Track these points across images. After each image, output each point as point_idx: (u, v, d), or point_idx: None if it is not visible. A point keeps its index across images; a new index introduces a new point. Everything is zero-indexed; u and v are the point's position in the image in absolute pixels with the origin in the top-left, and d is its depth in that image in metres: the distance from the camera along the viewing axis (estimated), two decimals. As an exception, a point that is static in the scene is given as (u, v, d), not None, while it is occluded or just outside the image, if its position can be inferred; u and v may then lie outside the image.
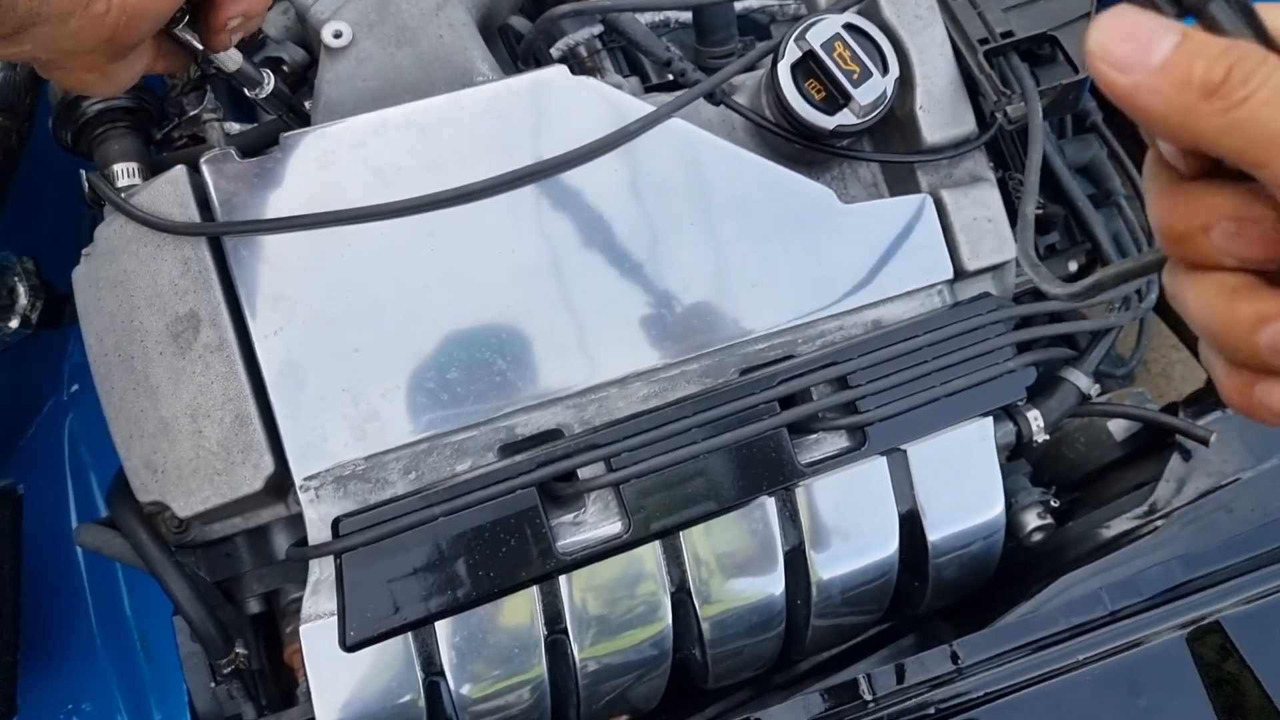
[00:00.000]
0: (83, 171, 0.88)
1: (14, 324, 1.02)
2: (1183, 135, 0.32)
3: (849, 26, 0.88)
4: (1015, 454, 1.01)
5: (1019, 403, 0.92)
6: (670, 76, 0.94)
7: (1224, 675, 0.83)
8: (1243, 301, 0.33)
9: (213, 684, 0.90)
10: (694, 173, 0.87)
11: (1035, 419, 0.93)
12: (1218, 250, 0.34)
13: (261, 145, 0.86)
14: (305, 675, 0.83)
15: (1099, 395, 1.00)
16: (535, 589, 0.82)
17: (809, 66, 0.88)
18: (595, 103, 0.86)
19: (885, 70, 0.88)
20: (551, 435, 0.84)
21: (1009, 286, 0.96)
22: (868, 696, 0.83)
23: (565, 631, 0.84)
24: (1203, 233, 0.34)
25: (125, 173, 0.87)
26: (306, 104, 0.90)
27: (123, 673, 1.10)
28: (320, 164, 0.83)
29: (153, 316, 0.82)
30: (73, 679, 1.10)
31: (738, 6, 1.11)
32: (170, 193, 0.82)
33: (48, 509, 1.12)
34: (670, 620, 0.85)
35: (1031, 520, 0.96)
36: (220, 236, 0.82)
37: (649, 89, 1.02)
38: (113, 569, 1.12)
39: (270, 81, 0.83)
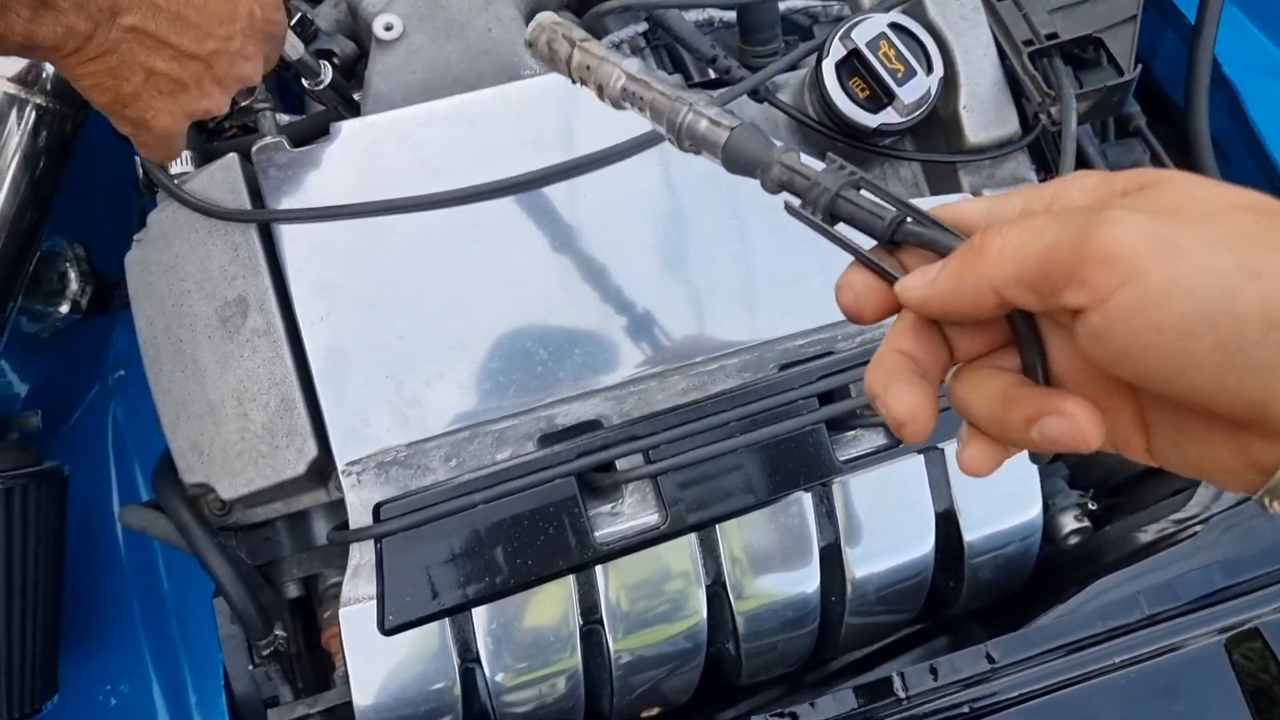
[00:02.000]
0: (138, 158, 0.90)
1: (64, 309, 1.04)
2: (980, 295, 0.39)
3: (894, 25, 0.89)
4: (1053, 457, 1.01)
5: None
6: (714, 74, 0.95)
7: (1262, 682, 0.82)
8: (1014, 407, 0.41)
9: (251, 666, 0.91)
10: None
11: (1074, 421, 0.93)
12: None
13: (311, 135, 0.88)
14: (343, 659, 0.84)
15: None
16: (571, 579, 0.83)
17: (853, 65, 0.88)
18: (640, 98, 0.87)
19: (930, 70, 0.88)
20: (591, 426, 0.85)
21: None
22: (901, 694, 0.83)
23: (600, 622, 0.84)
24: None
25: (178, 160, 0.88)
26: (355, 95, 0.91)
27: (160, 655, 1.12)
28: (369, 154, 0.84)
29: (202, 301, 0.83)
30: (112, 660, 1.11)
31: (781, 7, 1.12)
32: (222, 180, 0.84)
33: (90, 492, 1.14)
34: (705, 614, 0.86)
35: (1069, 523, 0.95)
36: (270, 223, 0.83)
37: (692, 86, 1.02)
38: (152, 552, 1.13)
39: (327, 73, 0.85)
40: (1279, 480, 0.37)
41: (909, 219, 0.43)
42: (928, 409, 0.42)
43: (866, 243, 0.45)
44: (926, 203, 0.48)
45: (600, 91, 0.59)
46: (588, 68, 0.59)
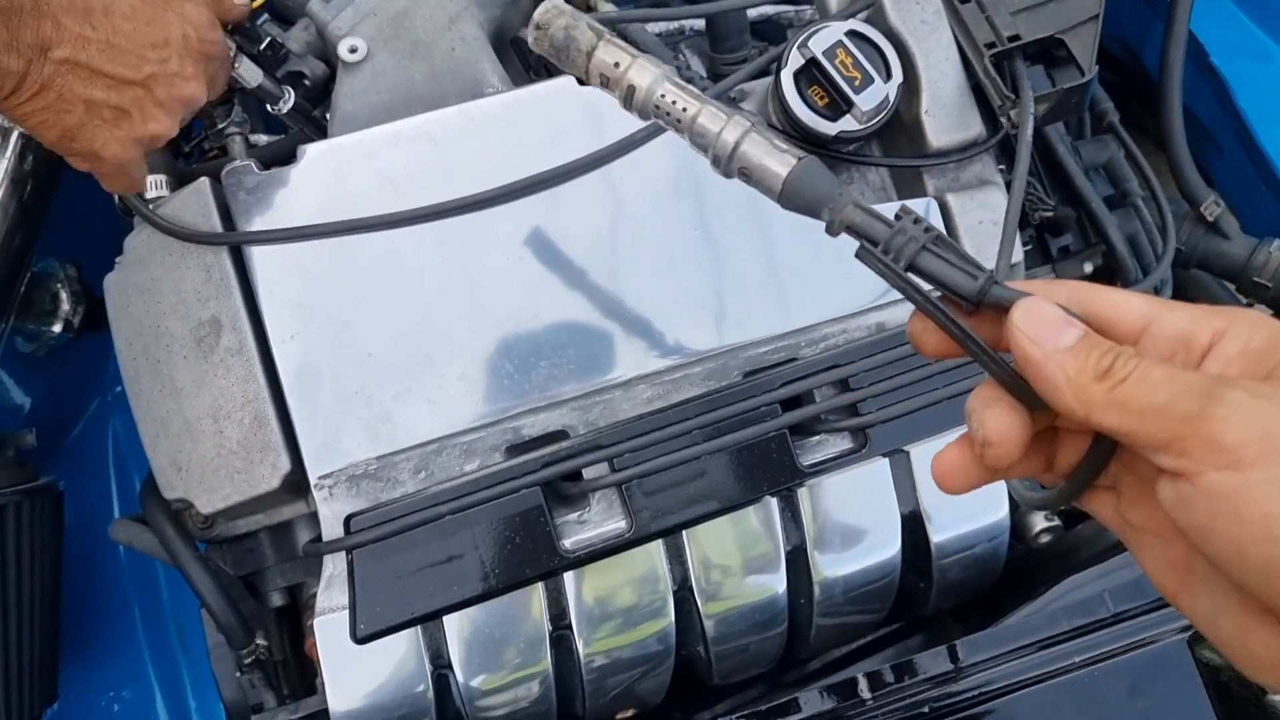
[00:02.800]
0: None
1: (57, 328, 1.07)
2: (1075, 407, 0.40)
3: (852, 33, 0.89)
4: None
5: (1024, 405, 0.93)
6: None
7: (1226, 679, 0.82)
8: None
9: (238, 673, 0.94)
10: (699, 178, 0.89)
11: (1041, 421, 0.93)
12: None
13: (283, 157, 0.90)
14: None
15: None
16: (540, 585, 0.85)
17: (812, 73, 0.89)
18: (603, 110, 0.88)
19: (888, 76, 0.89)
20: (557, 436, 0.87)
21: (1017, 289, 0.96)
22: (866, 695, 0.84)
23: (570, 627, 0.86)
24: None
25: (154, 184, 0.91)
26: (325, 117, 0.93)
27: (160, 663, 1.15)
28: (336, 174, 0.86)
29: (177, 322, 0.86)
30: (114, 668, 1.15)
31: (754, 13, 1.13)
32: (194, 204, 0.86)
33: (92, 505, 1.18)
34: (673, 617, 0.87)
35: (1039, 522, 0.96)
36: (241, 245, 0.86)
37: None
38: (153, 564, 1.17)
39: (290, 96, 0.87)
40: None
41: (998, 282, 0.43)
42: (1018, 437, 0.43)
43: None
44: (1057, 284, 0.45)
45: (627, 96, 0.53)
46: (615, 65, 0.53)
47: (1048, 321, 0.41)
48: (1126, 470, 0.44)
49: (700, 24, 1.11)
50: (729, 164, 0.50)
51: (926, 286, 0.45)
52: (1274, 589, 0.35)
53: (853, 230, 0.46)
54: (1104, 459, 0.43)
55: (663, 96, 0.52)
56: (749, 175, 0.49)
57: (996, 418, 0.43)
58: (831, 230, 0.47)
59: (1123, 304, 0.42)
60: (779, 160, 0.48)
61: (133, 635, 1.17)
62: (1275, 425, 0.35)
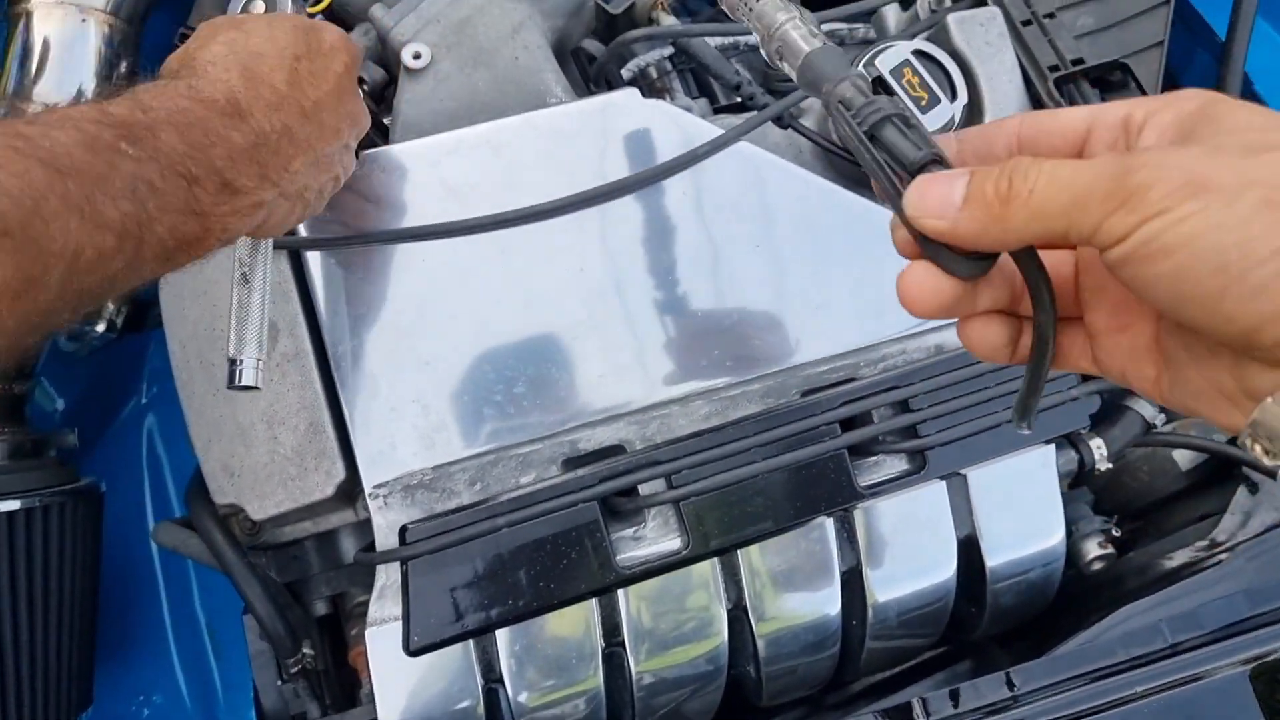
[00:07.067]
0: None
1: (100, 328, 1.06)
2: (1004, 238, 0.41)
3: (918, 53, 0.89)
4: (1077, 482, 1.01)
5: (1082, 430, 0.92)
6: (739, 99, 0.96)
7: (1287, 713, 0.82)
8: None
9: (279, 682, 0.93)
10: (760, 195, 0.89)
11: (1098, 447, 0.93)
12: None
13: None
14: (369, 677, 0.86)
15: (1164, 425, 0.99)
16: (594, 601, 0.84)
17: (877, 92, 0.89)
18: (665, 125, 0.88)
19: (954, 97, 0.89)
20: (614, 450, 0.86)
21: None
22: (921, 720, 0.83)
23: (622, 644, 0.85)
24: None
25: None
26: (385, 120, 0.93)
27: (192, 668, 1.14)
28: (398, 181, 0.86)
29: (234, 325, 0.85)
30: (145, 672, 1.13)
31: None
32: (254, 206, 0.85)
33: (125, 507, 1.16)
34: (726, 636, 0.86)
35: (1092, 549, 0.95)
36: (299, 249, 0.85)
37: (717, 110, 1.03)
38: (185, 567, 1.15)
39: (356, 100, 0.86)
40: (1266, 410, 0.39)
41: (940, 159, 0.45)
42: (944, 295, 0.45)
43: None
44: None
45: None
46: None
47: (935, 192, 0.43)
48: (1080, 289, 0.47)
49: (755, 39, 1.11)
50: (769, 42, 0.55)
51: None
52: (1201, 311, 0.38)
53: (842, 103, 0.49)
54: (1035, 262, 0.44)
55: None
56: (783, 54, 0.55)
57: (920, 288, 0.45)
58: (829, 105, 0.50)
59: (1064, 115, 0.45)
60: (807, 42, 0.53)
61: (163, 639, 1.15)
62: (1195, 169, 0.37)
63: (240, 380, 0.71)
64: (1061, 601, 0.96)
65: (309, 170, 0.66)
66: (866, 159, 0.47)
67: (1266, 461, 0.40)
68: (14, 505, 0.89)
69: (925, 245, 0.45)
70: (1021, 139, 0.46)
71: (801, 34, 0.54)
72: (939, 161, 0.45)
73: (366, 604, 0.93)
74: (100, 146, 0.51)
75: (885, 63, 0.88)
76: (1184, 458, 1.06)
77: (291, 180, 0.64)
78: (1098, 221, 0.38)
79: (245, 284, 0.72)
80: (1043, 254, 0.44)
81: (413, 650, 0.80)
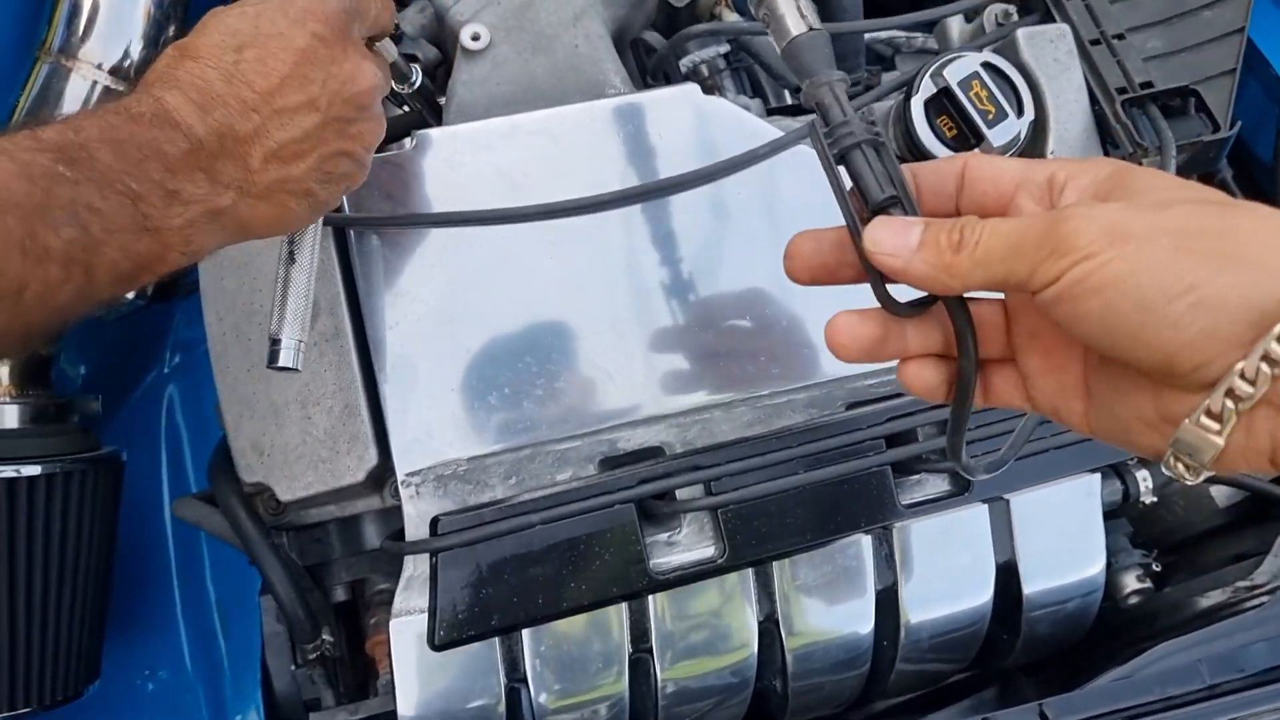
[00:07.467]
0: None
1: (130, 294, 1.04)
2: (951, 282, 0.47)
3: (987, 65, 0.87)
4: (1118, 513, 0.99)
5: (1129, 461, 0.90)
6: (796, 101, 0.94)
7: (1327, 763, 0.80)
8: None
9: (293, 666, 0.91)
10: (818, 201, 0.86)
11: (1144, 479, 0.91)
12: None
13: (388, 139, 0.87)
14: (388, 667, 0.84)
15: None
16: (624, 605, 0.82)
17: (943, 103, 0.87)
18: (725, 123, 0.86)
19: (1020, 112, 0.87)
20: (653, 452, 0.84)
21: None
22: (952, 747, 0.81)
23: (650, 650, 0.83)
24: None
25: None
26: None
27: (199, 645, 1.12)
28: (449, 164, 0.84)
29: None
30: (151, 646, 1.11)
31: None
32: (301, 181, 0.83)
33: (140, 476, 1.14)
34: (755, 649, 0.85)
35: (1130, 582, 0.93)
36: (345, 227, 0.83)
37: (771, 112, 1.01)
38: (198, 542, 1.13)
39: (418, 75, 0.84)
40: (1186, 430, 0.43)
41: (901, 206, 0.49)
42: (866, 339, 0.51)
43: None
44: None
45: None
46: None
47: (893, 234, 0.48)
48: (1013, 336, 0.52)
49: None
50: (760, 7, 0.54)
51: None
52: (1125, 342, 0.43)
53: (818, 108, 0.51)
54: (965, 313, 0.48)
55: None
56: (769, 21, 0.54)
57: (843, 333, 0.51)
58: (805, 100, 0.52)
59: (1001, 166, 0.50)
60: (797, 22, 0.53)
61: (172, 614, 1.13)
62: (1115, 220, 0.43)
63: (279, 361, 0.69)
64: (1092, 634, 0.94)
65: (276, 162, 0.62)
66: (831, 181, 0.50)
67: (1189, 477, 0.45)
68: (35, 470, 0.88)
69: (874, 280, 0.49)
70: (966, 179, 0.51)
71: (791, 10, 0.53)
72: (899, 203, 0.48)
73: (386, 592, 0.92)
74: (36, 173, 0.50)
75: (954, 74, 0.86)
76: (1221, 494, 1.04)
77: (259, 178, 0.61)
78: (1033, 266, 0.44)
79: (292, 262, 0.70)
80: (979, 306, 0.50)
81: (438, 645, 0.78)
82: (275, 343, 0.69)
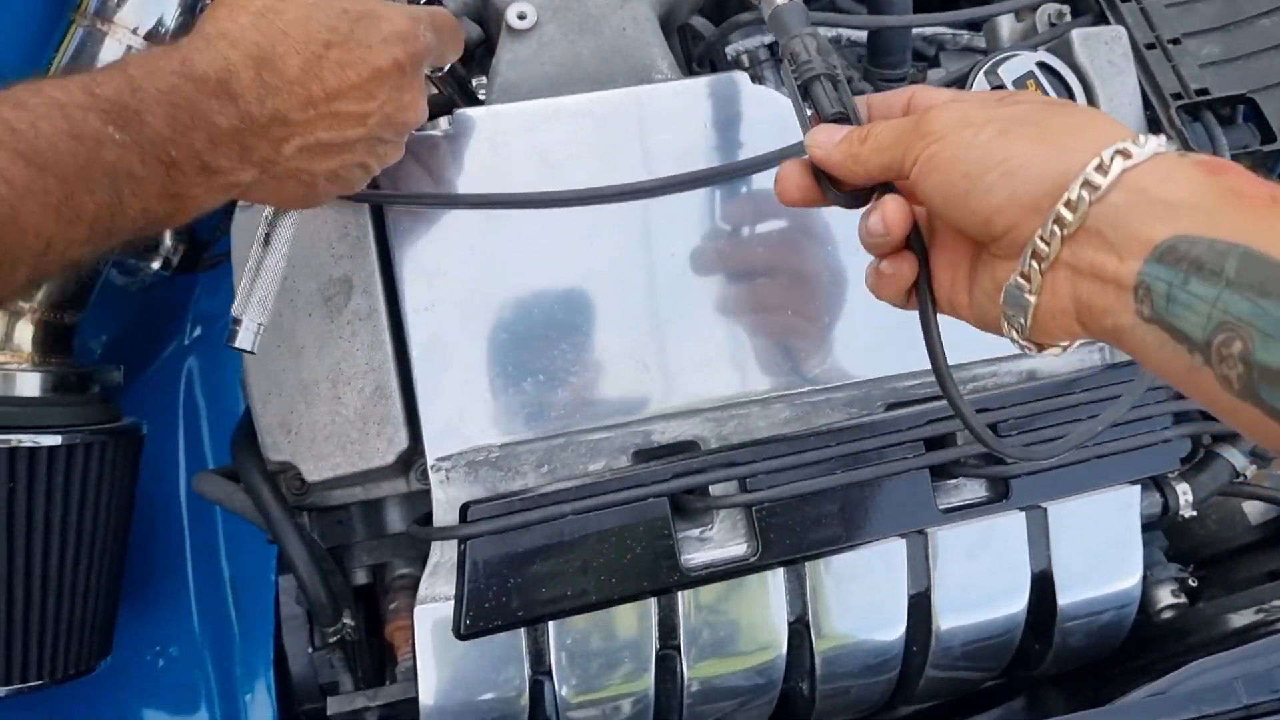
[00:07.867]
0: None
1: (155, 264, 1.03)
2: (855, 168, 0.58)
3: (1042, 65, 0.85)
4: (1154, 525, 0.97)
5: (1169, 474, 0.89)
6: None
7: (1365, 788, 0.78)
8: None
9: (310, 649, 0.89)
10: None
11: (1184, 493, 0.89)
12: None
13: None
14: (411, 653, 0.82)
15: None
16: (654, 600, 0.81)
17: (996, 101, 0.85)
18: (773, 113, 0.84)
19: (1074, 114, 0.85)
20: (688, 446, 0.82)
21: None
22: (983, 758, 0.80)
23: (677, 647, 0.82)
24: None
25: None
26: (473, 81, 0.89)
27: (211, 622, 1.10)
28: (491, 144, 0.82)
29: (306, 277, 0.81)
30: (163, 622, 1.10)
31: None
32: (339, 155, 0.81)
33: (157, 449, 1.12)
34: (785, 649, 0.83)
35: (1165, 597, 0.92)
36: (382, 205, 0.81)
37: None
38: (214, 518, 1.12)
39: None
40: (1006, 292, 0.52)
41: (847, 120, 0.61)
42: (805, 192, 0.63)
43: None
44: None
45: None
46: None
47: (826, 135, 0.60)
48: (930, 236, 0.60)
49: (855, 34, 1.07)
50: None
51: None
52: (958, 211, 0.52)
53: (791, 55, 0.63)
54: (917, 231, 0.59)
55: None
56: None
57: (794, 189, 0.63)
58: (781, 52, 0.65)
59: (940, 95, 0.62)
60: None
61: (184, 591, 1.12)
62: (962, 113, 0.53)
63: (235, 342, 0.70)
64: (1122, 647, 0.93)
65: (305, 155, 0.63)
66: (795, 103, 0.64)
67: (1019, 340, 0.54)
68: (55, 440, 0.86)
69: (819, 176, 0.61)
70: (912, 106, 0.62)
71: None
72: (845, 118, 0.61)
73: (408, 577, 0.90)
74: (86, 134, 0.51)
75: (1009, 72, 0.84)
76: (1255, 510, 1.03)
77: (283, 163, 0.62)
78: (905, 150, 0.54)
79: (266, 245, 0.71)
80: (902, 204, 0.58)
81: (464, 634, 0.77)
82: (236, 322, 0.70)
